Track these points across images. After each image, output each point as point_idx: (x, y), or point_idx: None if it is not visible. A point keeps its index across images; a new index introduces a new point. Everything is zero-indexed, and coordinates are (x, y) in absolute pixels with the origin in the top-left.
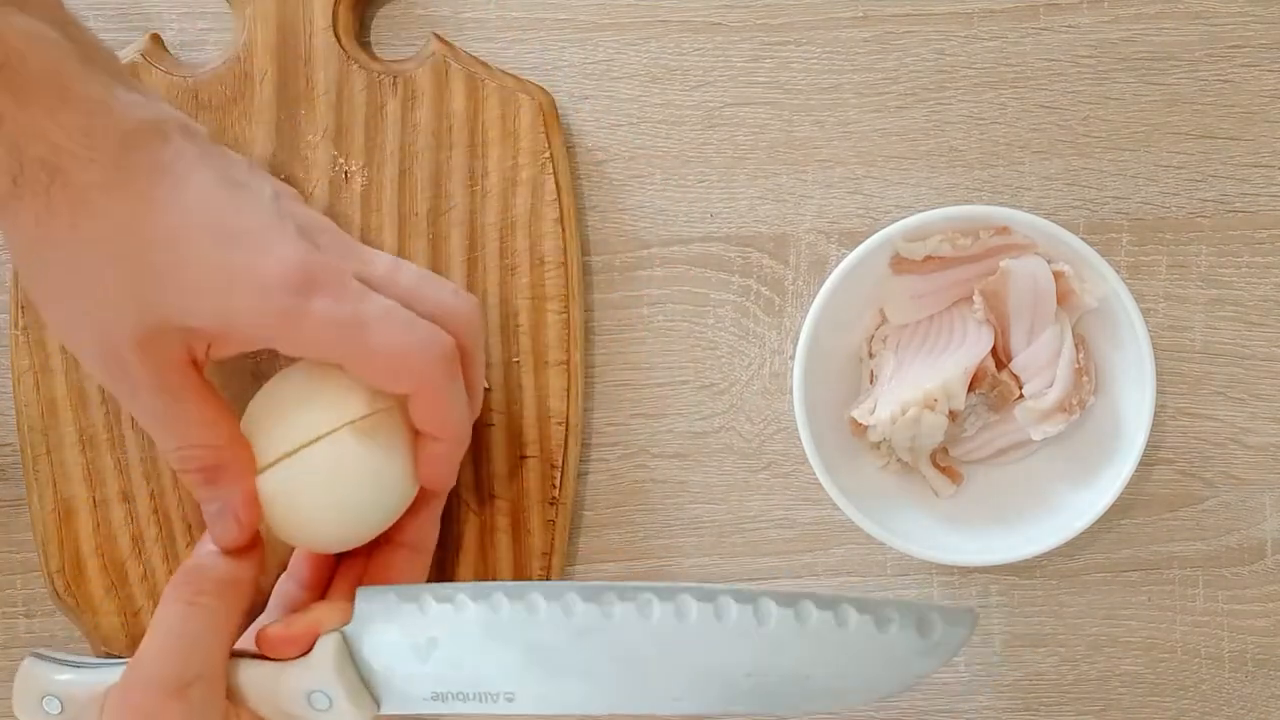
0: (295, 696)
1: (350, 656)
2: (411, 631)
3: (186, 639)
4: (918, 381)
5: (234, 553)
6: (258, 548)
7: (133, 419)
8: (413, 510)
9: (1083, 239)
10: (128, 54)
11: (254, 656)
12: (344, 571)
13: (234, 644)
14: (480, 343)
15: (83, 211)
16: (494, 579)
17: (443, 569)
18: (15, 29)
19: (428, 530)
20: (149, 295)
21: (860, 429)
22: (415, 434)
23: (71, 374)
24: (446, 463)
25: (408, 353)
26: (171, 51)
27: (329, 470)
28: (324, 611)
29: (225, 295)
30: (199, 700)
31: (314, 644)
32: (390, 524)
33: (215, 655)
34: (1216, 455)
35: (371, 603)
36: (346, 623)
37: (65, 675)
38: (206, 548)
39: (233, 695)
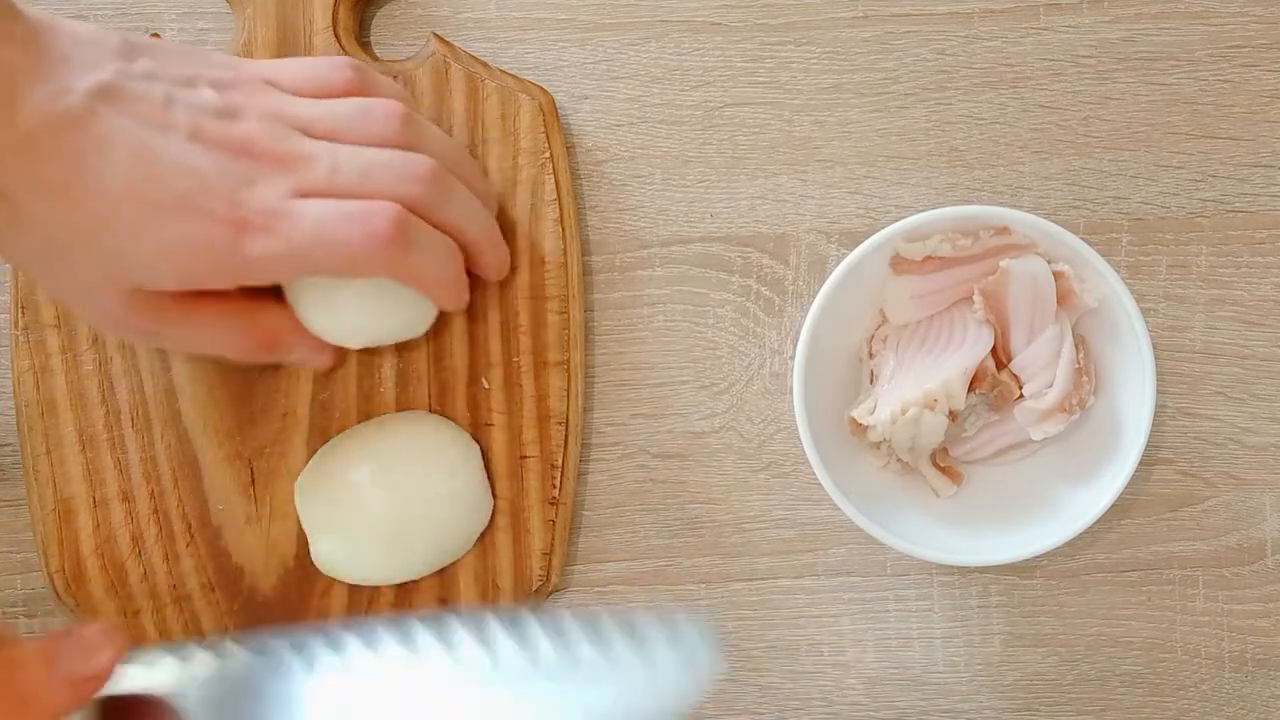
0: None
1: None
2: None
3: None
4: (918, 381)
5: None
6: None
7: (131, 420)
8: None
9: (1083, 239)
10: None
11: None
12: None
13: None
14: (441, 187)
15: (18, 213)
16: (494, 579)
17: (442, 569)
18: None
19: None
20: (110, 273)
21: (860, 429)
22: None
23: (71, 374)
24: (447, 296)
25: (353, 254)
26: None
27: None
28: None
29: (174, 263)
30: None
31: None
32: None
33: None
34: (1216, 455)
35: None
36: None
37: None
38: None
39: None
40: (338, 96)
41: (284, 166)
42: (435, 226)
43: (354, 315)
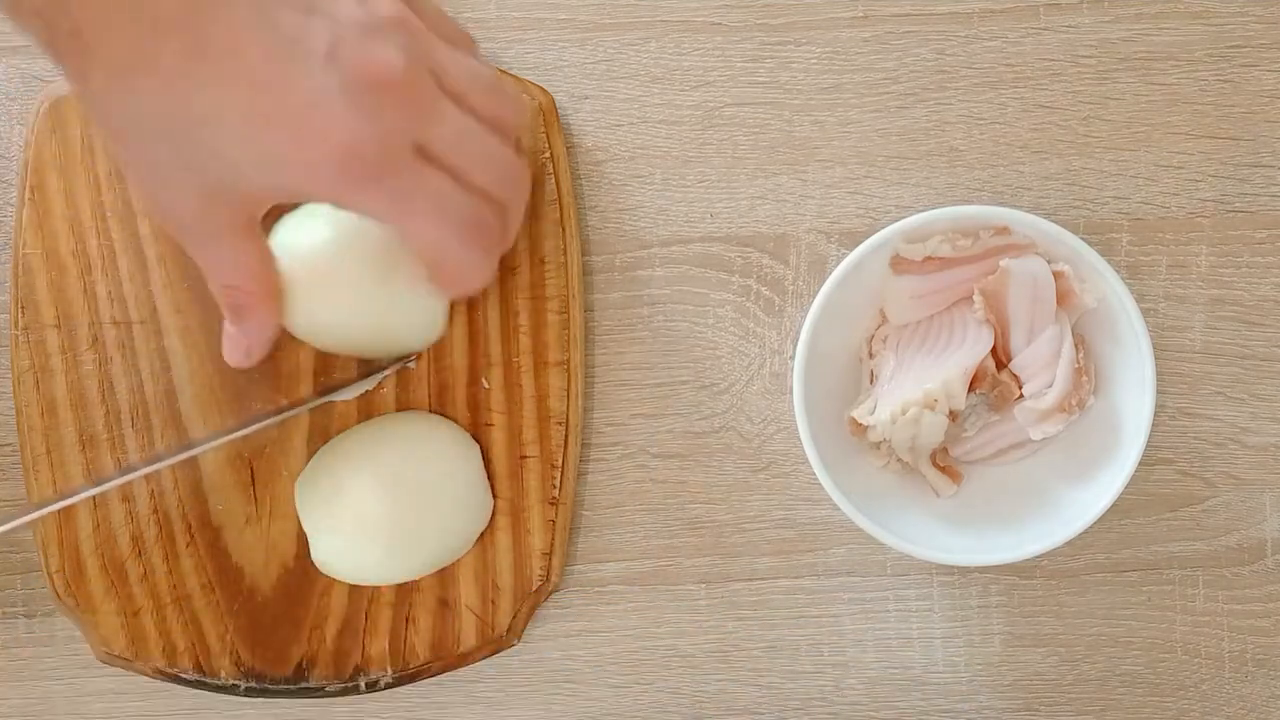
0: None
1: None
2: None
3: None
4: (918, 381)
5: None
6: None
7: (131, 420)
8: None
9: (1083, 239)
10: None
11: None
12: None
13: None
14: (523, 202)
15: (119, 88)
16: (494, 579)
17: (442, 569)
18: None
19: None
20: (199, 169)
21: (860, 429)
22: None
23: (71, 374)
24: (456, 288)
25: (443, 248)
26: None
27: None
28: None
29: (273, 174)
30: None
31: None
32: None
33: None
34: (1216, 455)
35: None
36: None
37: None
38: None
39: None
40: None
41: (413, 113)
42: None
43: (350, 331)
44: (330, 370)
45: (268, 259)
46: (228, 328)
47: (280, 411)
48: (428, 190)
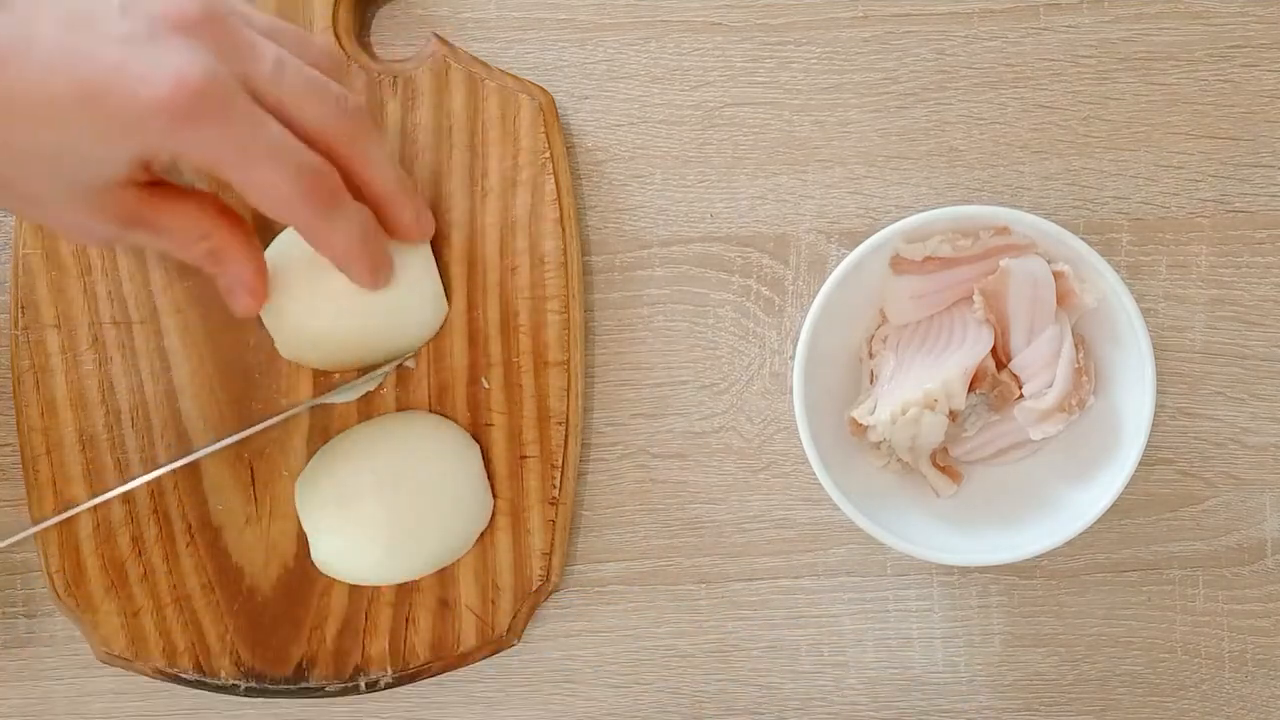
0: None
1: None
2: None
3: None
4: (918, 381)
5: None
6: None
7: (131, 420)
8: None
9: (1083, 239)
10: None
11: None
12: None
13: None
14: (366, 148)
15: None
16: (494, 579)
17: (442, 569)
18: None
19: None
20: (57, 168)
21: (860, 429)
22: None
23: (71, 374)
24: (364, 269)
25: (285, 193)
26: None
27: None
28: None
29: (118, 142)
30: None
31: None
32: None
33: None
34: (1216, 455)
35: None
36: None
37: None
38: None
39: None
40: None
41: (228, 46)
42: (357, 178)
43: (332, 340)
44: (330, 371)
45: (187, 198)
46: (219, 282)
47: (280, 412)
48: (264, 132)
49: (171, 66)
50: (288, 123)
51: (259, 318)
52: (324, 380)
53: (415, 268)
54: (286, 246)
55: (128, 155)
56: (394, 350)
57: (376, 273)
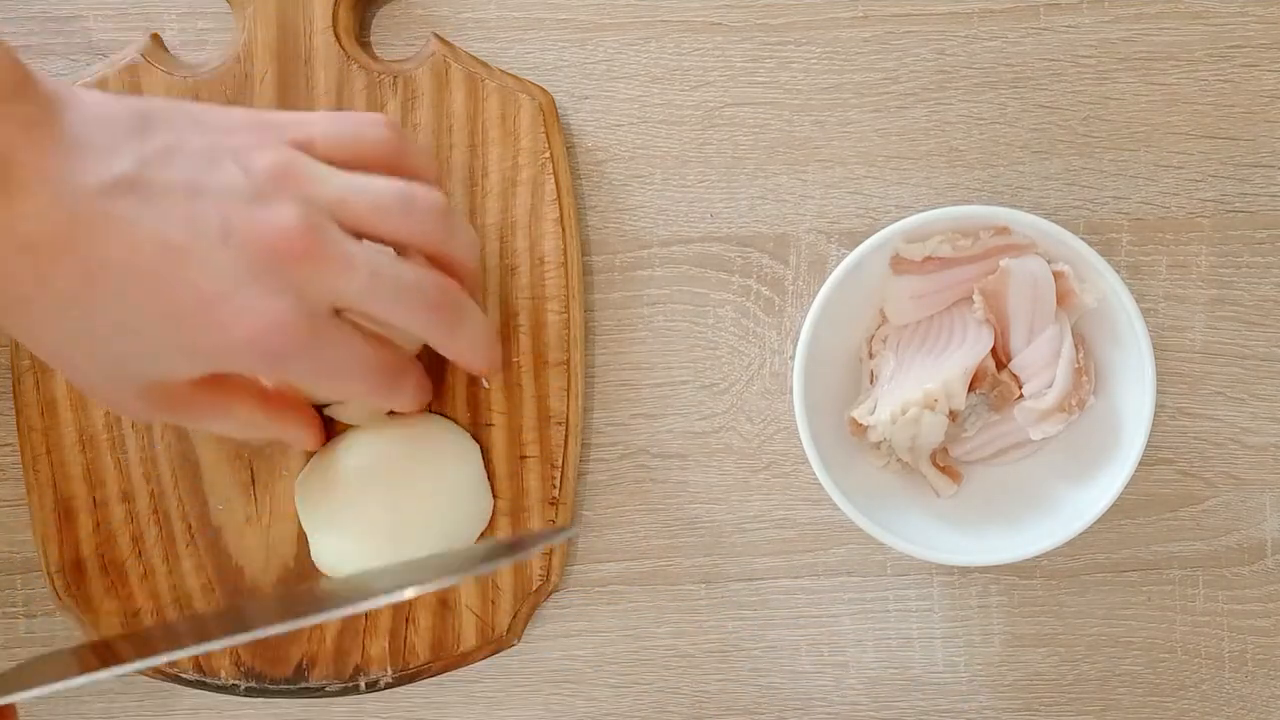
0: None
1: None
2: None
3: None
4: (918, 381)
5: None
6: None
7: (131, 420)
8: None
9: (1083, 239)
10: (128, 54)
11: None
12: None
13: None
14: (453, 316)
15: (29, 313)
16: (494, 579)
17: None
18: None
19: None
20: (126, 370)
21: (860, 429)
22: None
23: None
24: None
25: (367, 399)
26: (171, 51)
27: None
28: None
29: (198, 363)
30: None
31: None
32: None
33: None
34: (1216, 455)
35: None
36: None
37: None
38: None
39: None
40: (374, 162)
41: (322, 273)
42: (441, 348)
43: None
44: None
45: (234, 392)
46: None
47: None
48: (349, 353)
49: (263, 311)
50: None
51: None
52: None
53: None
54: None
55: (200, 373)
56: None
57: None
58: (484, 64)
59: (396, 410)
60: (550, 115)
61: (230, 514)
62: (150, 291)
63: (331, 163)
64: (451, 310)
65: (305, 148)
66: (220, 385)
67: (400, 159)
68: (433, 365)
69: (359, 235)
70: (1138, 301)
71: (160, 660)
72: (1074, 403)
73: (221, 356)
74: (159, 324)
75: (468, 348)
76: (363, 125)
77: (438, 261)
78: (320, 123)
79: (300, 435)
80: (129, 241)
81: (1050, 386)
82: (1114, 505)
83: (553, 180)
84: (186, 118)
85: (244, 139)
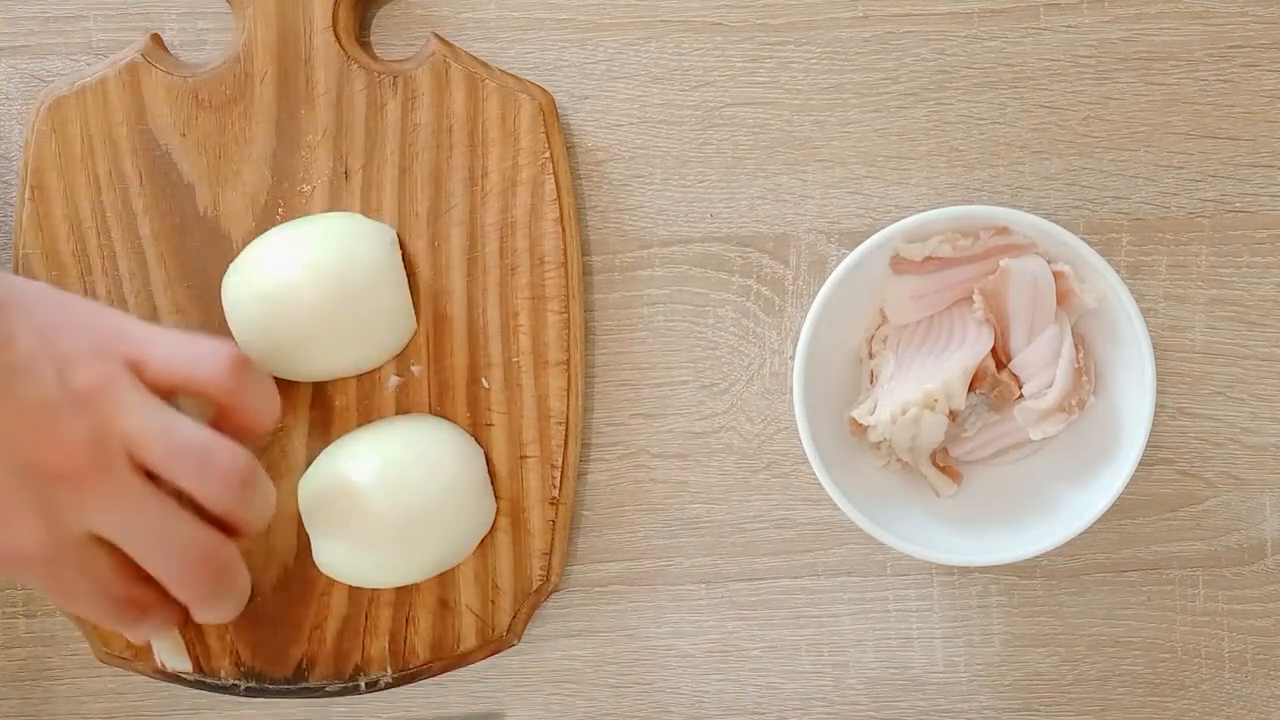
0: None
1: None
2: None
3: None
4: (918, 381)
5: None
6: None
7: None
8: None
9: (1083, 239)
10: (127, 54)
11: None
12: None
13: None
14: (221, 583)
15: None
16: (494, 579)
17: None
18: None
19: None
20: None
21: (860, 429)
22: None
23: None
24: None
25: (105, 623)
26: (171, 51)
27: None
28: None
29: None
30: None
31: None
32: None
33: None
34: (1216, 455)
35: None
36: None
37: None
38: None
39: None
40: (207, 393)
41: (92, 502)
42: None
43: (309, 358)
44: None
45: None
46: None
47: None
48: (88, 582)
49: (16, 534)
50: (128, 557)
51: None
52: (323, 388)
53: (385, 287)
54: (243, 286)
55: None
56: (373, 357)
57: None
58: (484, 64)
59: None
60: (550, 115)
61: None
62: None
63: (158, 388)
64: (212, 579)
65: (137, 367)
66: (57, 563)
67: (232, 397)
68: (434, 366)
69: (152, 477)
70: (1138, 301)
71: None
72: (1074, 403)
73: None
74: None
75: (215, 616)
76: (203, 356)
77: (229, 516)
78: (162, 344)
79: (156, 630)
80: None
81: (1050, 386)
82: (1114, 505)
83: (553, 180)
84: (30, 314)
85: (77, 345)
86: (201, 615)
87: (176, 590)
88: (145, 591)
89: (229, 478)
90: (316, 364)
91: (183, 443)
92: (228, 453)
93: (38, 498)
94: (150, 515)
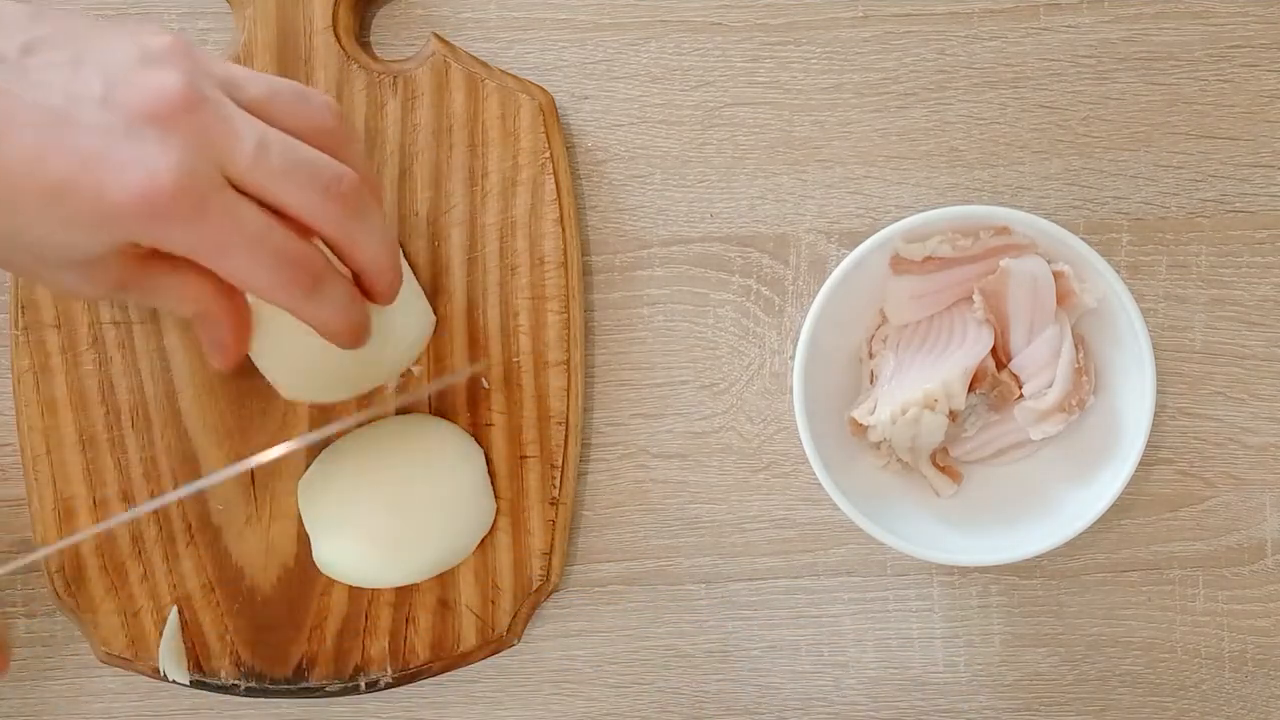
0: None
1: None
2: None
3: None
4: (918, 381)
5: None
6: None
7: (131, 420)
8: None
9: (1083, 239)
10: None
11: None
12: None
13: None
14: (353, 230)
15: None
16: (494, 579)
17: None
18: None
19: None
20: (37, 255)
21: (860, 429)
22: None
23: (71, 374)
24: (347, 340)
25: (264, 283)
26: None
27: None
28: None
29: (88, 235)
30: None
31: None
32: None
33: None
34: (1216, 455)
35: None
36: None
37: None
38: None
39: None
40: (306, 134)
41: (207, 136)
42: (343, 255)
43: (325, 372)
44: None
45: (177, 267)
46: (201, 336)
47: (278, 413)
48: (241, 225)
49: (143, 167)
50: (272, 206)
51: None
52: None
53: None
54: None
55: (102, 246)
56: (391, 368)
57: (357, 338)
58: (484, 64)
59: (322, 334)
60: (550, 115)
61: (230, 514)
62: (29, 164)
63: (254, 113)
64: (352, 201)
65: (229, 87)
66: (155, 261)
67: (337, 146)
68: (434, 366)
69: None
70: (1138, 301)
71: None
72: (1074, 403)
73: (107, 224)
74: (43, 203)
75: (370, 254)
76: (311, 96)
77: (337, 237)
78: (264, 78)
79: (223, 335)
80: (4, 114)
81: (1050, 386)
82: (1114, 505)
83: (553, 180)
84: (85, 20)
85: (151, 39)
86: (357, 252)
87: (320, 219)
88: (311, 251)
89: (330, 109)
90: (354, 378)
91: (278, 81)
92: (317, 92)
93: (158, 136)
94: (269, 138)
